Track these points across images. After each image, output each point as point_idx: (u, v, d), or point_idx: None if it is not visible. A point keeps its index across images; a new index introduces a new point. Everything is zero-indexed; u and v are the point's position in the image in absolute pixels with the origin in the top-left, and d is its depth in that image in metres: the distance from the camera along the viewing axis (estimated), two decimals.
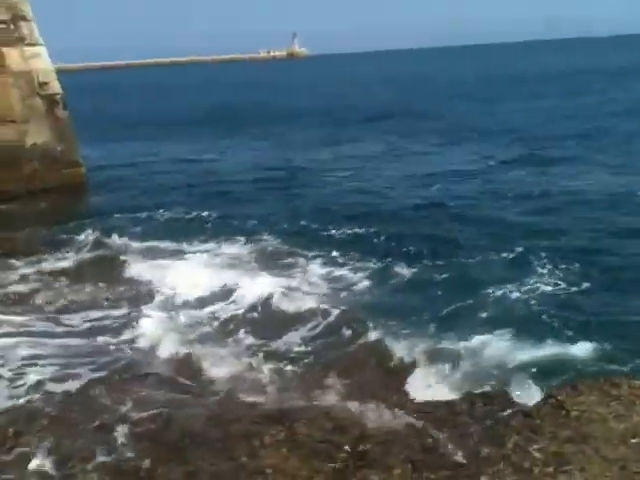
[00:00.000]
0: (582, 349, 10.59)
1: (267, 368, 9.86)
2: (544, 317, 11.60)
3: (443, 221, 17.86)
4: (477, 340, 10.83)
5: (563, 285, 12.88)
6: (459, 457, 6.84)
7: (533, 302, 12.18)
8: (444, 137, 32.64)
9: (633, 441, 6.74)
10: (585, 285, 12.78)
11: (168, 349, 10.52)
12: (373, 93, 65.63)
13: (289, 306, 12.10)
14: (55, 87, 23.86)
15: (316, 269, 14.18)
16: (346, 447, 7.24)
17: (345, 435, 7.51)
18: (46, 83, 23.30)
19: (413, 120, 40.67)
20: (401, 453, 7.03)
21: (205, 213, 19.60)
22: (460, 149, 29.36)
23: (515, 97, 52.15)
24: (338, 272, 13.96)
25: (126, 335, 11.25)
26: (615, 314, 11.64)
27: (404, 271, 13.81)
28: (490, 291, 12.58)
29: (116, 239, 16.82)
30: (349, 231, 16.90)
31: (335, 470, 6.87)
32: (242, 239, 16.58)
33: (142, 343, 10.90)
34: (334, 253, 15.13)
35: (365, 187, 22.60)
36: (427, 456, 6.95)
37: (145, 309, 12.24)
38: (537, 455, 6.67)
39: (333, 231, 17.03)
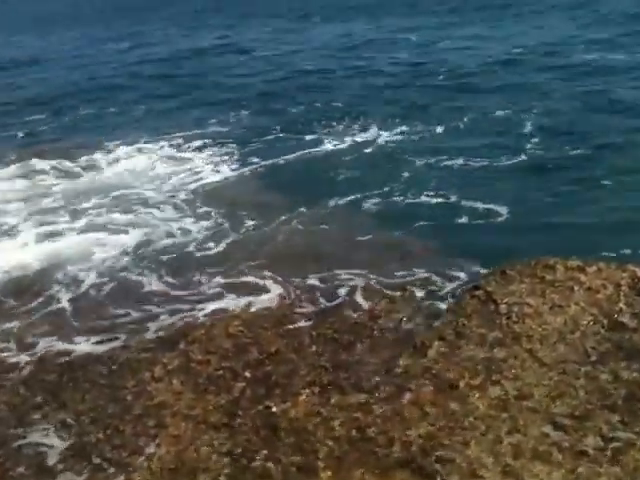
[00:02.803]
0: (514, 225, 9.68)
1: (155, 280, 8.48)
2: (477, 188, 10.77)
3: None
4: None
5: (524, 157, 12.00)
6: (374, 374, 5.81)
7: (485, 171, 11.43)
8: None
9: (572, 337, 5.84)
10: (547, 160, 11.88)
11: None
12: None
13: None
14: None
15: None
16: (246, 373, 6.13)
17: (245, 356, 6.38)
18: None
19: None
20: (308, 375, 5.97)
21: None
22: None
23: None
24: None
25: None
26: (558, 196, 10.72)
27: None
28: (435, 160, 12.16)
29: None
30: None
31: (232, 402, 5.76)
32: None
33: None
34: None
35: None
36: (338, 375, 5.90)
37: None
38: (463, 364, 5.71)
39: None
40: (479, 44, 21.67)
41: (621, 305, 6.12)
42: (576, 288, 6.49)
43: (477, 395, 5.31)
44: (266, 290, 7.74)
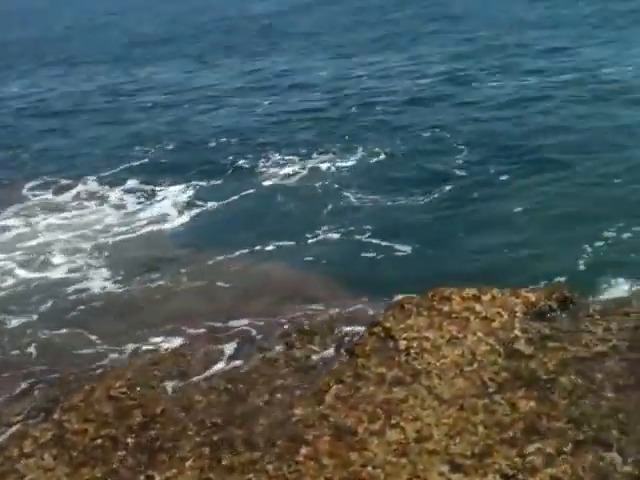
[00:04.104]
0: (418, 259, 9.57)
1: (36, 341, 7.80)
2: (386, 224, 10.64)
3: None
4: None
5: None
6: (269, 427, 5.39)
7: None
8: None
9: (470, 369, 5.63)
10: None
11: None
12: None
13: None
14: None
15: None
16: (127, 440, 5.58)
17: (127, 421, 5.84)
18: None
19: None
20: (197, 435, 5.49)
21: None
22: None
23: None
24: None
25: None
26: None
27: None
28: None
29: None
30: None
31: (110, 474, 5.21)
32: None
33: None
34: None
35: None
36: (230, 432, 5.45)
37: None
38: (362, 408, 5.39)
39: None
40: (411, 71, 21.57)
41: (516, 332, 5.98)
42: (472, 318, 6.32)
43: (376, 441, 4.99)
44: (154, 343, 7.24)
